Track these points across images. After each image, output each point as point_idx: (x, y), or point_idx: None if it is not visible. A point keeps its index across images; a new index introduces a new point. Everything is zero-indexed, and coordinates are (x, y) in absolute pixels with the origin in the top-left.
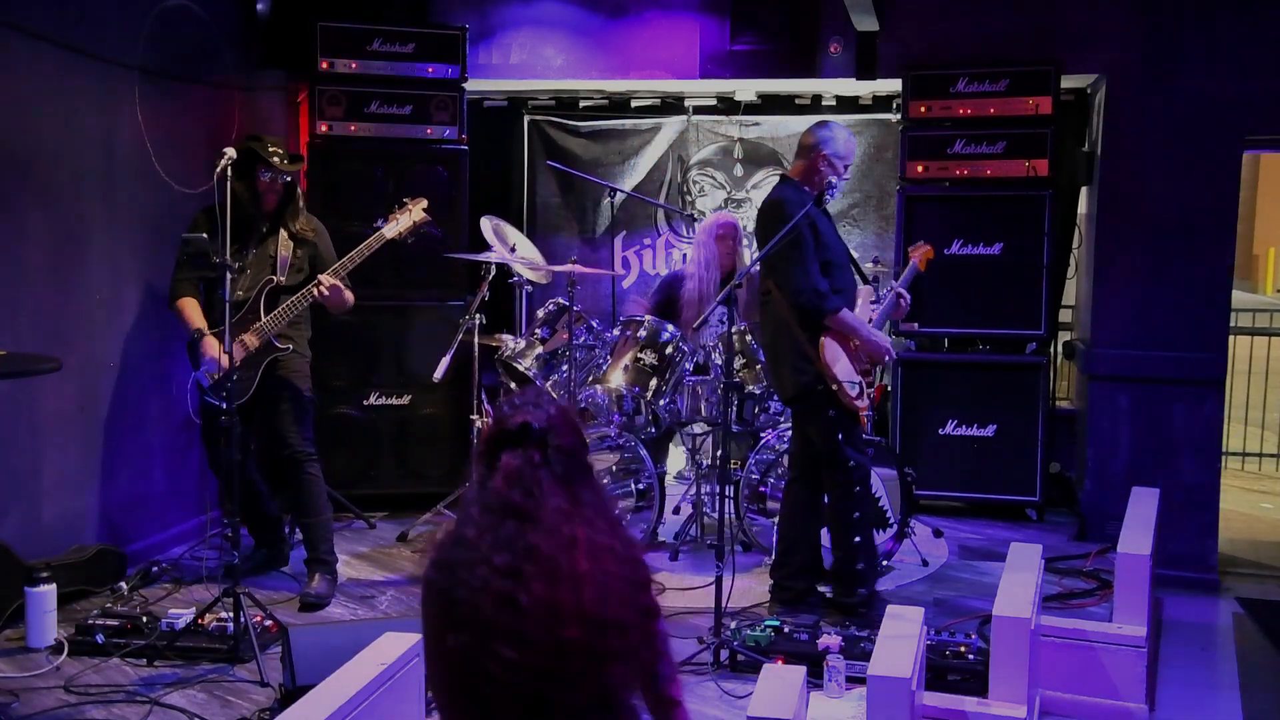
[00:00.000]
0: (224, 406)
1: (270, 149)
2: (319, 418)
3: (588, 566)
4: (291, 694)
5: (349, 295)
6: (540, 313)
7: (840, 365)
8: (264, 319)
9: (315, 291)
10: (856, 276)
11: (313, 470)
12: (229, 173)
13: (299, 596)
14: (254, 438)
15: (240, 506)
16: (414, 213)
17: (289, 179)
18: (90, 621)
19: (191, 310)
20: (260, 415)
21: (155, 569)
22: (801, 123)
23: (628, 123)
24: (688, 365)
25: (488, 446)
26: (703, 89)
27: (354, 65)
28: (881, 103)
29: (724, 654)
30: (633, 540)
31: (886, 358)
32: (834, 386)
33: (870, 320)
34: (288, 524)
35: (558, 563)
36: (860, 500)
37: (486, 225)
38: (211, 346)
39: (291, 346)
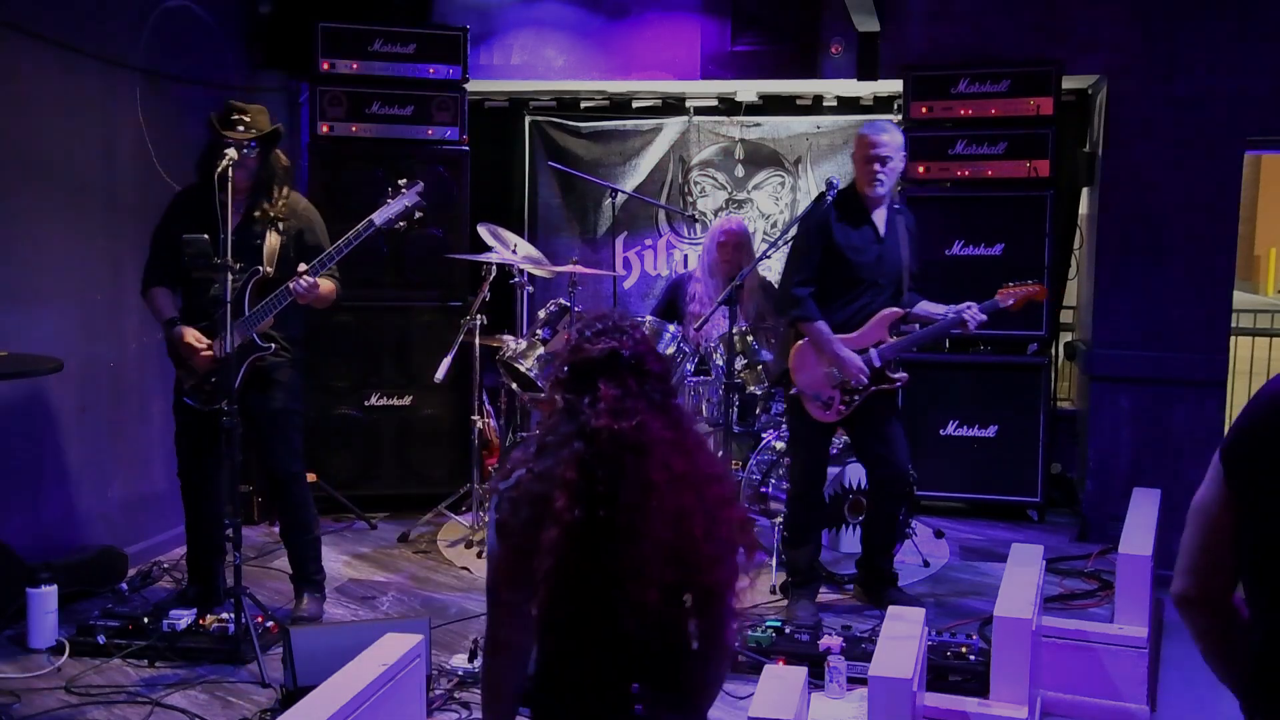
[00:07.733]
0: (206, 410)
1: (233, 117)
2: (320, 419)
3: (691, 500)
4: (292, 695)
5: (326, 289)
6: (541, 313)
7: (804, 374)
8: (247, 314)
9: (291, 287)
10: (885, 296)
11: (299, 491)
12: (230, 173)
13: (290, 617)
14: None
15: (189, 530)
16: (406, 196)
17: (249, 151)
18: (91, 622)
19: (163, 300)
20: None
21: (156, 569)
22: (803, 123)
23: (629, 123)
24: (688, 365)
25: (574, 374)
26: (704, 90)
27: (355, 66)
28: (882, 103)
29: None
30: (716, 458)
31: (853, 382)
32: (792, 391)
33: (880, 343)
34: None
35: (662, 495)
36: (788, 501)
37: (484, 231)
38: (188, 333)
39: (274, 345)
